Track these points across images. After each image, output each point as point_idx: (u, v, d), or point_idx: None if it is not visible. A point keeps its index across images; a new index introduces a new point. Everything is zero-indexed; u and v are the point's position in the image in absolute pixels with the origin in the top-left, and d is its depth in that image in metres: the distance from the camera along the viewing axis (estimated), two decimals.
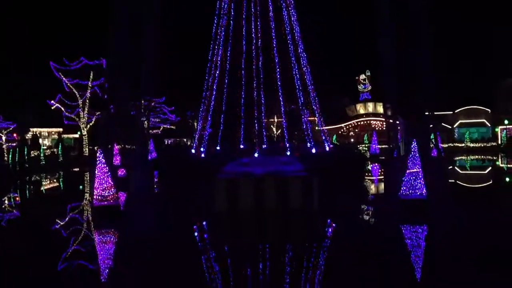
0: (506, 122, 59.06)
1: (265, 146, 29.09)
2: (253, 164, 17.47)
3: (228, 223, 15.07)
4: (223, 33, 28.62)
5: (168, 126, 65.70)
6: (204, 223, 15.32)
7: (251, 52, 27.97)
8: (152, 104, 60.50)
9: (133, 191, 21.00)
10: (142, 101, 24.44)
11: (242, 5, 28.23)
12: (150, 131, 59.22)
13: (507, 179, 28.25)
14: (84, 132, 51.05)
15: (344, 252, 11.21)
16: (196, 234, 14.04)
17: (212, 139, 29.67)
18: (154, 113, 59.28)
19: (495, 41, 69.29)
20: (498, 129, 59.89)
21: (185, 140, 73.49)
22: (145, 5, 20.98)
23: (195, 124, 65.10)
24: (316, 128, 33.47)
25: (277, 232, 13.95)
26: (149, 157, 40.94)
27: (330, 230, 14.27)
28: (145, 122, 26.37)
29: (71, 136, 69.82)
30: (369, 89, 69.57)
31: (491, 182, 27.41)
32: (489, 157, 46.99)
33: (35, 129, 67.77)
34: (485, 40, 70.64)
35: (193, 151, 31.13)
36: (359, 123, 68.89)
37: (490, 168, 37.01)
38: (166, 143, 70.41)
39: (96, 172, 15.35)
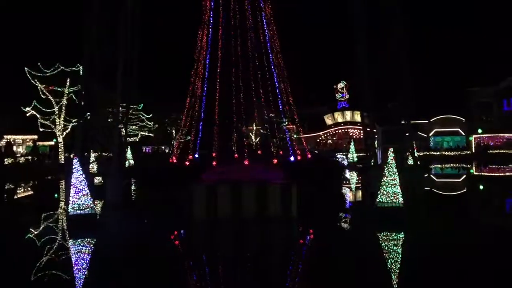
0: (479, 131, 60.43)
1: (244, 153, 29.08)
2: (232, 172, 17.45)
3: (206, 231, 14.98)
4: (203, 41, 28.62)
5: (146, 134, 65.18)
6: (182, 231, 15.19)
7: (230, 60, 28.01)
8: (130, 111, 60.09)
9: (110, 200, 20.68)
10: (120, 108, 24.15)
11: (222, 15, 28.28)
12: (128, 138, 58.66)
13: (481, 187, 28.83)
14: (60, 140, 50.17)
15: (320, 260, 11.27)
16: (173, 243, 13.90)
17: (191, 147, 29.49)
18: (132, 120, 58.76)
19: (469, 51, 71.00)
20: (472, 138, 61.22)
21: (163, 147, 72.95)
22: (122, 11, 20.79)
23: (174, 131, 64.83)
24: (295, 136, 33.61)
25: (255, 240, 13.92)
26: (126, 165, 40.51)
27: (308, 238, 14.31)
28: (122, 129, 26.06)
29: (46, 143, 68.54)
30: (346, 97, 70.42)
31: (465, 189, 27.95)
32: (463, 165, 47.96)
33: (9, 136, 66.31)
34: (459, 50, 72.30)
35: (171, 158, 30.90)
36: (337, 131, 69.56)
37: (464, 176, 37.73)
38: (144, 150, 69.76)
39: (71, 180, 15.08)
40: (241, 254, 12.13)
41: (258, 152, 29.94)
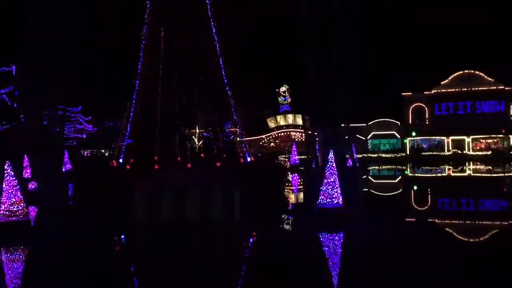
0: (413, 134, 63.39)
1: (187, 157, 28.76)
2: (174, 175, 17.25)
3: (147, 236, 14.71)
4: (144, 42, 28.07)
5: (85, 137, 62.93)
6: (121, 237, 14.82)
7: (171, 63, 27.64)
8: (67, 113, 57.83)
9: (45, 205, 19.82)
10: (56, 111, 23.22)
11: (165, 17, 27.87)
12: (65, 142, 56.38)
13: (415, 187, 30.26)
14: None
15: (264, 262, 11.37)
16: (112, 249, 13.54)
17: (131, 151, 28.81)
18: (70, 123, 56.63)
19: (405, 56, 74.31)
20: (406, 141, 64.07)
21: (103, 151, 70.77)
22: (58, 12, 20.05)
23: (114, 135, 63.04)
24: (238, 139, 33.71)
25: (198, 244, 13.83)
26: (63, 169, 38.96)
27: (251, 240, 14.40)
28: (59, 132, 25.06)
29: None
30: (289, 101, 71.53)
31: (400, 190, 29.23)
32: (399, 166, 50.13)
33: None
34: (396, 56, 75.46)
35: (112, 162, 30.04)
36: (279, 134, 70.48)
37: (399, 177, 39.44)
38: (82, 154, 67.35)
39: (3, 185, 14.32)
40: (182, 259, 12.00)
41: (201, 155, 29.76)
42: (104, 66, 55.63)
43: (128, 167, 26.89)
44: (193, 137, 32.48)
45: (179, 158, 26.86)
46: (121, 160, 28.39)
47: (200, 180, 16.51)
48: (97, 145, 68.99)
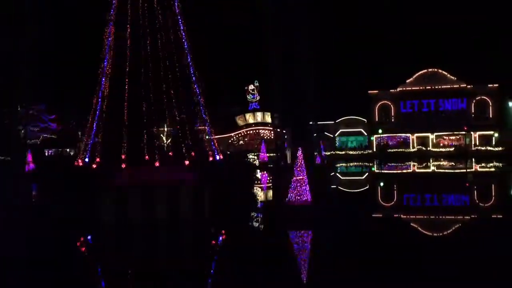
0: (380, 131, 64.62)
1: (155, 155, 28.38)
2: (142, 174, 17.01)
3: (115, 236, 14.48)
4: (110, 39, 27.52)
5: (49, 136, 61.35)
6: (88, 237, 14.53)
7: (139, 60, 27.22)
8: (30, 112, 56.24)
9: (7, 205, 19.22)
10: (18, 109, 22.55)
11: (129, 13, 27.38)
12: (28, 141, 54.79)
13: (381, 184, 30.86)
14: None
15: (233, 260, 11.37)
16: (79, 250, 13.25)
17: (97, 149, 28.25)
18: (33, 121, 55.14)
19: (372, 55, 75.52)
20: (373, 138, 65.24)
21: (68, 150, 69.17)
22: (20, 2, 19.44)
23: (79, 133, 61.74)
24: (206, 137, 33.54)
25: (166, 243, 13.70)
26: (26, 169, 37.86)
27: (220, 239, 14.37)
28: (22, 131, 24.36)
29: None
30: (257, 99, 71.62)
31: (367, 186, 29.75)
32: (366, 163, 51.02)
33: None
34: (362, 54, 76.60)
35: (77, 161, 29.38)
36: (248, 132, 70.51)
37: (366, 174, 40.14)
38: (46, 153, 65.66)
39: None
40: (152, 258, 11.87)
41: (170, 153, 29.47)
42: (69, 63, 54.35)
43: (94, 166, 26.38)
44: (162, 135, 32.12)
45: (147, 157, 26.52)
46: (86, 159, 27.81)
47: (168, 179, 16.33)
48: (62, 144, 67.42)
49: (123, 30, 27.51)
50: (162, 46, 28.23)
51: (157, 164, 25.09)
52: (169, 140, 31.78)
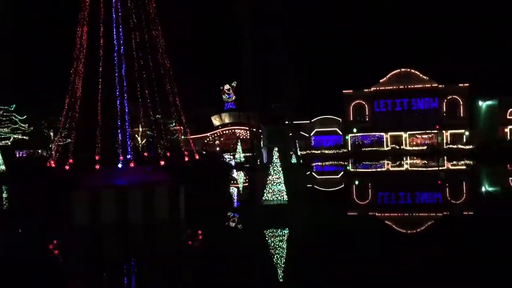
0: (354, 130, 65.36)
1: (129, 156, 28.05)
2: (116, 175, 16.78)
3: (88, 238, 14.25)
4: (83, 39, 27.07)
5: (20, 137, 59.90)
6: (60, 240, 14.26)
7: (113, 59, 26.84)
8: (0, 112, 54.80)
9: None
10: None
11: (102, 12, 26.97)
12: None
13: (356, 182, 31.22)
14: None
15: (209, 261, 11.33)
16: (51, 253, 12.99)
17: (70, 150, 27.79)
18: (3, 122, 53.83)
19: (347, 54, 76.43)
20: (348, 137, 65.95)
21: (39, 151, 67.72)
22: None
23: (51, 134, 60.50)
24: (182, 137, 33.35)
25: (141, 245, 13.55)
26: None
27: (196, 240, 14.30)
28: None
29: None
30: (233, 99, 71.59)
31: (343, 185, 30.04)
32: (341, 162, 51.53)
33: None
34: (337, 54, 77.50)
35: (49, 163, 28.84)
36: (224, 132, 70.39)
37: (341, 172, 40.54)
38: (17, 155, 64.12)
39: None
40: (125, 260, 11.72)
41: (145, 154, 29.20)
42: (41, 63, 53.25)
43: (67, 167, 25.94)
44: (136, 135, 31.80)
45: (121, 157, 26.19)
46: (59, 161, 27.33)
47: (143, 179, 16.16)
48: (34, 145, 66.00)
49: (96, 29, 27.11)
50: (137, 46, 27.93)
51: (131, 164, 24.80)
52: (144, 141, 31.47)
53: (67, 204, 15.73)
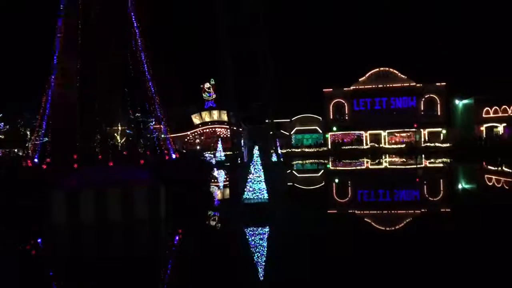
0: (334, 129, 65.83)
1: (108, 155, 27.78)
2: (95, 174, 16.57)
3: (66, 238, 14.05)
4: (60, 36, 26.63)
5: None
6: (38, 240, 14.04)
7: (90, 58, 26.49)
8: None
9: None
10: None
11: (80, 8, 26.60)
12: None
13: (336, 180, 31.48)
14: None
15: (187, 260, 11.29)
16: (28, 253, 12.77)
17: (48, 149, 27.33)
18: None
19: (327, 53, 76.92)
20: (328, 135, 66.39)
21: (16, 150, 66.42)
22: None
23: (28, 133, 59.40)
24: (162, 135, 33.10)
25: (120, 245, 13.43)
26: None
27: (176, 239, 14.23)
28: None
29: None
30: (213, 97, 71.33)
31: (323, 183, 30.27)
32: (321, 160, 51.87)
33: None
34: (318, 53, 77.94)
35: (26, 162, 28.28)
36: (204, 130, 70.12)
37: (322, 171, 40.81)
38: None
39: None
40: (104, 261, 11.59)
41: (124, 153, 28.90)
42: (16, 60, 52.22)
43: (44, 166, 25.49)
44: (116, 134, 31.47)
45: (100, 156, 25.90)
46: (36, 160, 26.85)
47: (123, 178, 15.99)
48: (10, 144, 64.73)
49: (74, 26, 26.70)
50: (116, 44, 27.63)
51: (111, 163, 24.55)
52: (123, 139, 31.16)
53: (45, 205, 15.47)
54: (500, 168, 35.78)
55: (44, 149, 26.87)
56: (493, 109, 59.46)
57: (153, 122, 31.04)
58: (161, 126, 32.01)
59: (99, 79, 26.79)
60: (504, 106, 57.55)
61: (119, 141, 30.86)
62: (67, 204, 14.72)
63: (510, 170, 33.80)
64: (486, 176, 30.86)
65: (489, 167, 37.00)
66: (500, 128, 58.77)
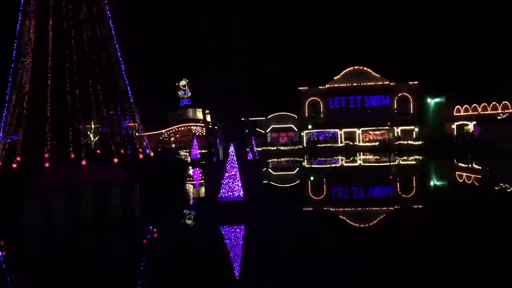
0: (310, 127, 66.25)
1: (81, 153, 27.28)
2: (68, 174, 16.27)
3: (38, 239, 13.75)
4: (30, 31, 26.00)
5: None
6: (7, 241, 13.70)
7: (63, 55, 25.95)
8: None
9: None
10: None
11: (51, 4, 26.01)
12: None
13: (311, 178, 31.71)
14: None
15: (165, 259, 11.21)
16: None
17: (17, 148, 26.69)
18: None
19: (302, 51, 77.24)
20: (303, 133, 66.77)
21: None
22: None
23: None
24: (137, 134, 32.72)
25: (93, 245, 13.23)
26: None
27: (151, 238, 14.11)
28: None
29: None
30: (189, 95, 70.86)
31: (298, 181, 30.45)
32: (297, 158, 52.17)
33: None
34: (293, 51, 78.24)
35: None
36: (179, 128, 69.62)
37: (297, 169, 41.05)
38: None
39: None
40: (76, 262, 11.41)
41: (97, 151, 28.45)
42: None
43: (14, 165, 24.90)
44: (89, 132, 30.88)
45: (72, 155, 25.42)
46: (5, 159, 26.17)
47: (96, 177, 15.75)
48: None
49: (45, 22, 26.13)
50: (89, 39, 27.14)
51: (83, 162, 24.17)
52: (97, 138, 30.63)
53: (16, 205, 15.13)
54: (470, 165, 36.68)
55: (14, 148, 26.21)
56: (463, 107, 60.77)
57: (128, 120, 30.62)
58: (136, 124, 31.67)
59: (71, 76, 26.28)
60: (474, 105, 58.86)
61: (92, 139, 30.34)
62: (39, 204, 14.42)
63: (479, 167, 34.69)
64: (456, 173, 31.58)
65: (459, 164, 37.87)
66: (470, 126, 60.14)
